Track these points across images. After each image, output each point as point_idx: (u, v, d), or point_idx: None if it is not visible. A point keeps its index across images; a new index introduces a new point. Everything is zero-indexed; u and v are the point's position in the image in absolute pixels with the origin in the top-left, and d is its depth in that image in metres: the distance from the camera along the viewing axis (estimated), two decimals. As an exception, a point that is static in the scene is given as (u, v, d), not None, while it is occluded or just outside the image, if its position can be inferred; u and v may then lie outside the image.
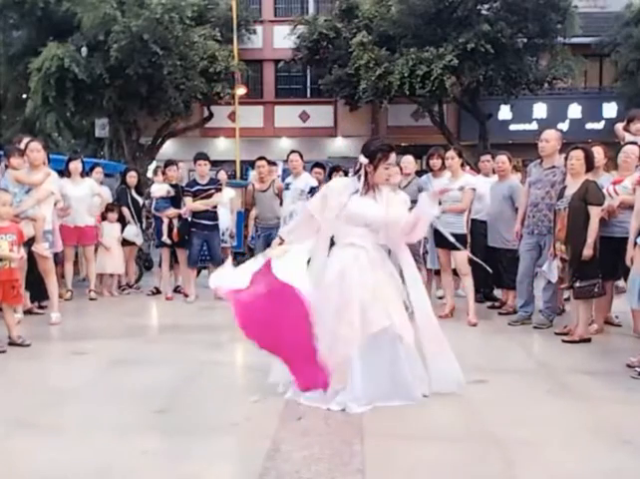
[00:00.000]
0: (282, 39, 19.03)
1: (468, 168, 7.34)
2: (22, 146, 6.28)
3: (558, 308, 6.26)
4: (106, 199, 8.06)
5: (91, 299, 7.45)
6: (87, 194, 7.51)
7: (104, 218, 7.89)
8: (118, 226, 7.95)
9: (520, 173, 8.02)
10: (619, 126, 6.53)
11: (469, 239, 6.22)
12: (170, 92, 15.83)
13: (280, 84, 21.48)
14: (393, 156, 3.90)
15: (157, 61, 14.88)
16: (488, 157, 7.36)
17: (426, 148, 7.01)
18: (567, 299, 6.15)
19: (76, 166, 7.43)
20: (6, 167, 6.08)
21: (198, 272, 8.32)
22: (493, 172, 7.12)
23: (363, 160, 3.88)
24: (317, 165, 8.30)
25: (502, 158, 6.79)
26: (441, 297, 6.96)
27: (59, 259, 7.00)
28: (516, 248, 6.27)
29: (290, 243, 3.83)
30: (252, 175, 14.39)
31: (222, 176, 9.02)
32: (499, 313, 6.62)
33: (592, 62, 18.79)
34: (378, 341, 3.69)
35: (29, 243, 5.77)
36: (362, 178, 3.89)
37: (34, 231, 5.75)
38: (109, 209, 7.94)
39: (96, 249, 7.76)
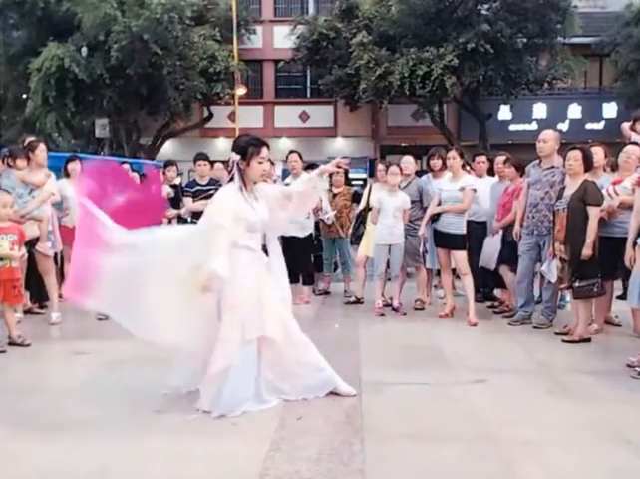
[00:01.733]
0: (282, 39, 19.04)
1: (468, 168, 7.32)
2: (25, 144, 6.30)
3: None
4: None
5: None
6: None
7: None
8: None
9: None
10: (626, 125, 6.52)
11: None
12: (170, 92, 15.85)
13: (280, 84, 21.49)
14: (265, 149, 3.80)
15: (156, 61, 14.90)
16: (484, 157, 7.28)
17: (426, 148, 7.02)
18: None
19: (74, 166, 7.43)
20: (9, 166, 6.09)
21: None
22: (488, 172, 7.09)
23: (234, 156, 3.75)
24: (311, 166, 8.32)
25: (503, 158, 6.78)
26: (442, 298, 6.96)
27: (57, 260, 7.00)
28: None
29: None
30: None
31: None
32: (495, 313, 6.61)
33: (592, 62, 18.80)
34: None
35: (29, 244, 5.77)
36: (237, 177, 3.76)
37: (39, 230, 5.76)
38: None
39: None
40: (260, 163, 3.78)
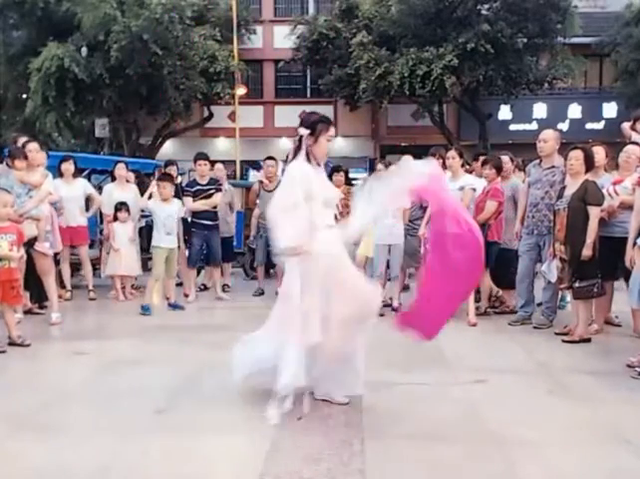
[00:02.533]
0: (282, 39, 19.03)
1: (468, 167, 7.31)
2: (19, 145, 6.30)
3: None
4: (98, 199, 7.77)
5: (90, 299, 7.45)
6: (79, 194, 7.50)
7: (115, 218, 7.58)
8: (130, 225, 7.66)
9: (522, 171, 7.99)
10: (626, 125, 6.52)
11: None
12: (170, 92, 15.85)
13: (280, 84, 21.48)
14: (332, 129, 3.81)
15: (156, 61, 14.89)
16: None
17: (426, 148, 7.00)
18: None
19: (67, 167, 7.44)
20: (8, 166, 6.09)
21: (198, 272, 8.34)
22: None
23: (303, 131, 3.72)
24: None
25: (504, 158, 6.78)
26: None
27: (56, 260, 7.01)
28: (516, 248, 6.27)
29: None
30: (253, 174, 14.44)
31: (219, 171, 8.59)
32: (495, 312, 6.62)
33: (592, 62, 18.79)
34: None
35: (28, 244, 5.77)
36: (303, 152, 3.73)
37: (37, 230, 5.76)
38: (117, 208, 7.59)
39: (108, 251, 7.72)
40: (328, 141, 3.77)
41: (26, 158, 6.01)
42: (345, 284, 3.59)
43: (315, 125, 3.74)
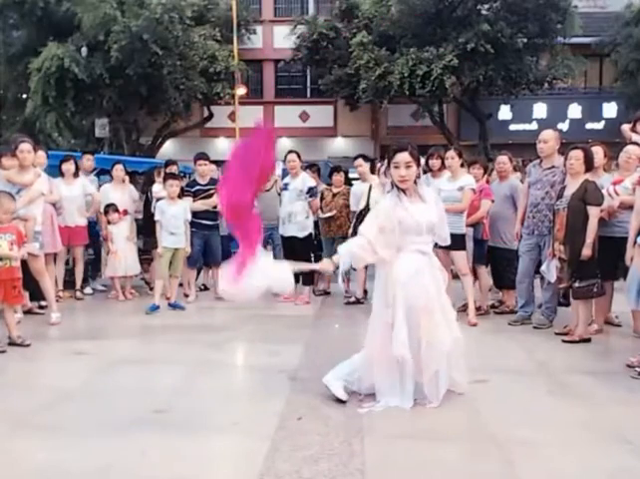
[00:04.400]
0: (282, 39, 19.04)
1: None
2: (12, 144, 6.26)
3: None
4: (97, 199, 7.71)
5: (77, 299, 7.48)
6: (78, 194, 7.49)
7: (108, 221, 7.57)
8: (125, 224, 7.66)
9: (520, 172, 7.98)
10: (626, 127, 6.51)
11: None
12: (170, 92, 15.84)
13: (280, 84, 21.49)
14: (398, 155, 3.77)
15: (157, 61, 14.89)
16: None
17: (426, 148, 6.99)
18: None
19: (68, 167, 7.43)
20: None
21: (198, 273, 8.34)
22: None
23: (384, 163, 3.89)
24: (311, 166, 8.33)
25: (503, 158, 6.79)
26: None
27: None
28: (517, 249, 6.28)
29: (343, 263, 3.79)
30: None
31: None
32: (495, 313, 6.63)
33: (592, 62, 18.80)
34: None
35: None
36: (388, 181, 3.90)
37: (25, 231, 5.71)
38: (106, 211, 7.58)
39: (107, 252, 7.72)
40: (396, 167, 3.77)
41: (14, 156, 5.92)
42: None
43: (387, 154, 3.91)
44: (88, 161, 8.34)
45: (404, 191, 3.79)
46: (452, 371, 3.87)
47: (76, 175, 7.50)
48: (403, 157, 3.75)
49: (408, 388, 3.72)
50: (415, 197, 3.83)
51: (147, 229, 7.77)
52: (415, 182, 3.83)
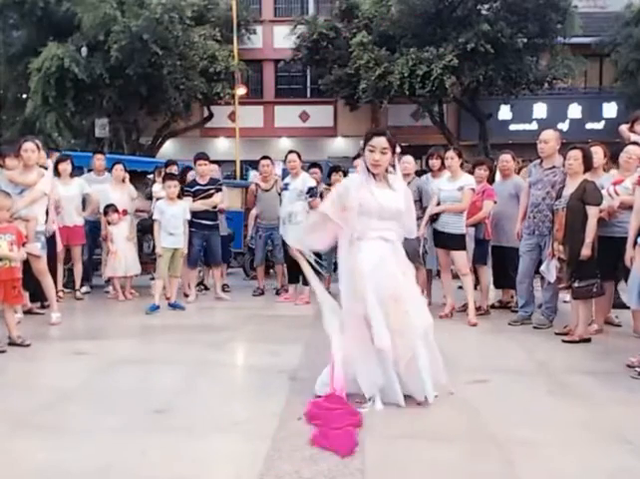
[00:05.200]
0: (282, 39, 19.06)
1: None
2: (16, 145, 6.26)
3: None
4: (95, 199, 7.71)
5: (77, 299, 7.47)
6: (76, 194, 7.49)
7: (108, 222, 7.55)
8: (125, 224, 7.66)
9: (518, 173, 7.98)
10: (624, 127, 6.51)
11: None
12: (170, 92, 15.86)
13: (280, 84, 21.50)
14: (375, 139, 3.73)
15: (157, 61, 14.90)
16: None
17: (426, 148, 7.01)
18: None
19: (65, 167, 7.43)
20: (0, 166, 6.07)
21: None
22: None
23: (361, 144, 3.82)
24: (314, 165, 8.32)
25: (507, 157, 6.79)
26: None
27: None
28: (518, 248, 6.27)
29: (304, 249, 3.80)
30: (253, 174, 14.42)
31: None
32: (501, 307, 6.65)
33: (592, 62, 18.82)
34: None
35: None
36: (362, 163, 3.84)
37: (26, 231, 5.71)
38: (105, 211, 7.57)
39: (107, 252, 7.71)
40: (371, 151, 3.73)
41: (17, 157, 5.92)
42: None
43: (365, 137, 3.84)
44: (98, 160, 8.33)
45: (374, 175, 3.78)
46: (433, 365, 3.81)
47: (72, 175, 7.51)
48: (380, 141, 3.72)
49: (392, 378, 3.67)
50: (383, 183, 3.81)
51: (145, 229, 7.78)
52: (387, 170, 3.81)
